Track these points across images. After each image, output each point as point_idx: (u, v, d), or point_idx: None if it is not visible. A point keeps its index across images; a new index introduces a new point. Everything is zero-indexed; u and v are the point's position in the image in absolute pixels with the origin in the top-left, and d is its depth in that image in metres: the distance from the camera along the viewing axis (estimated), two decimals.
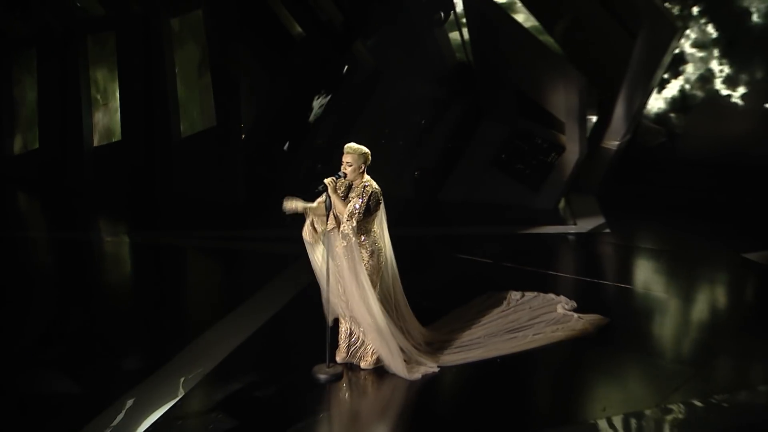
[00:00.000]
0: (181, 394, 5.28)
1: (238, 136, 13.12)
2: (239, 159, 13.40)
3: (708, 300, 9.19)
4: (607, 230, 11.61)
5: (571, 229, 12.16)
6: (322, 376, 5.30)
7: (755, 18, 14.21)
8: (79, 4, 14.74)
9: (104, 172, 14.12)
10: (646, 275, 10.19)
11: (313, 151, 14.63)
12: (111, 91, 13.99)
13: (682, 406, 5.40)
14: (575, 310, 7.23)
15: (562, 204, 13.35)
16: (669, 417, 5.27)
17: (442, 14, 13.89)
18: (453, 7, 13.93)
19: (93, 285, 9.50)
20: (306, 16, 14.24)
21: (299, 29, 14.39)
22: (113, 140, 14.33)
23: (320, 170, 13.65)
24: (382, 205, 5.53)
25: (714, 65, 14.72)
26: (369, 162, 5.51)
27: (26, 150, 14.87)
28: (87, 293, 8.96)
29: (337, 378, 5.37)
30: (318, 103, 14.85)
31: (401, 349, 5.68)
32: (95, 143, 14.31)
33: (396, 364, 5.56)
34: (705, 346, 7.31)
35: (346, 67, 14.94)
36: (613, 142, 13.43)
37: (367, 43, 14.43)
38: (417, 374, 5.61)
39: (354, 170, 5.29)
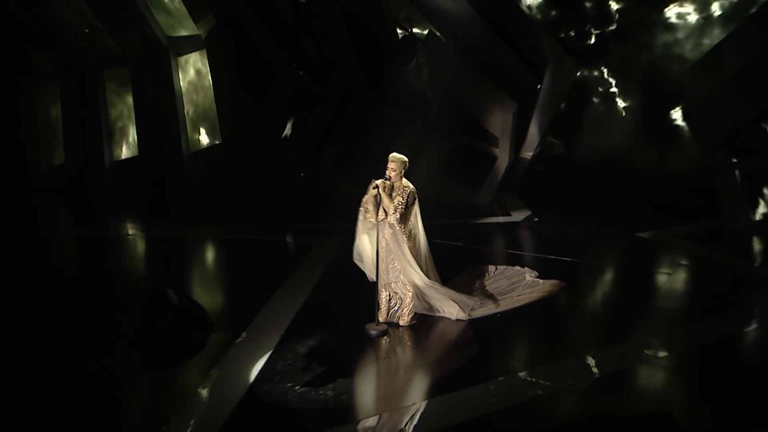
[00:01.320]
0: (269, 350, 5.47)
1: (240, 150, 12.78)
2: (240, 169, 13.15)
3: (618, 262, 10.10)
4: (536, 219, 12.03)
5: (507, 219, 12.47)
6: (373, 332, 5.64)
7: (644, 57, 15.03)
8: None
9: (125, 181, 13.49)
10: (570, 249, 10.23)
11: (291, 160, 14.48)
12: (128, 115, 13.49)
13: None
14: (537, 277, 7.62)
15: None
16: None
17: (410, 57, 13.81)
18: (417, 51, 13.87)
19: (150, 272, 9.33)
20: (286, 56, 14.07)
21: (280, 65, 14.14)
22: (132, 155, 13.69)
23: (303, 177, 13.84)
24: (417, 201, 5.83)
25: (598, 93, 15.37)
26: (407, 167, 5.75)
27: (52, 165, 14.06)
28: (156, 279, 8.77)
29: (383, 333, 5.68)
30: (293, 123, 14.83)
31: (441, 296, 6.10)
32: (115, 158, 13.73)
33: (445, 305, 6.06)
34: (623, 299, 7.80)
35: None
36: (528, 153, 13.85)
37: (341, 77, 14.31)
38: (459, 313, 6.05)
39: (397, 174, 5.58)
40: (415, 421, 4.49)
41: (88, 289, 7.88)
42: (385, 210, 5.65)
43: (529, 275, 7.53)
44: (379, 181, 5.60)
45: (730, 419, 4.72)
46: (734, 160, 12.06)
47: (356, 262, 6.20)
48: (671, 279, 8.76)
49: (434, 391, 4.98)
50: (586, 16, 15.56)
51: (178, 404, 4.61)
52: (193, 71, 12.77)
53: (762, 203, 12.11)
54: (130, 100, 13.40)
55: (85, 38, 12.86)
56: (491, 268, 7.71)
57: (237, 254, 10.18)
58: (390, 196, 5.64)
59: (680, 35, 14.82)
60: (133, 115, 13.28)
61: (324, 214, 11.89)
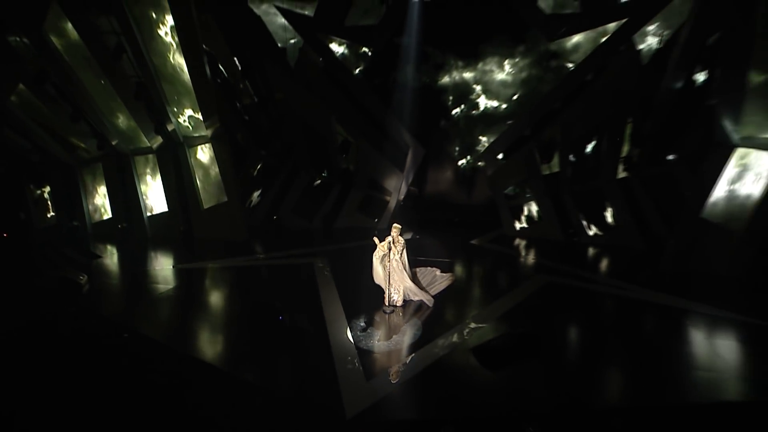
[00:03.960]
0: (346, 326, 6.14)
1: (237, 204, 11.98)
2: (239, 215, 12.36)
3: (468, 258, 10.99)
4: (417, 236, 12.54)
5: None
6: (387, 311, 6.88)
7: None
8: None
9: (159, 229, 12.44)
10: (438, 253, 11.03)
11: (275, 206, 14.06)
12: (155, 183, 12.40)
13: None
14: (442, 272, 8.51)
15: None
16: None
17: (345, 153, 13.37)
18: (350, 148, 13.45)
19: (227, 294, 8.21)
20: (261, 147, 13.57)
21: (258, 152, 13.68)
22: (162, 211, 12.61)
23: (277, 218, 13.52)
24: (405, 245, 7.09)
25: (434, 161, 16.03)
26: (400, 230, 6.96)
27: (101, 218, 12.60)
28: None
29: (392, 311, 6.89)
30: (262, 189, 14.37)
31: (419, 292, 7.13)
32: (149, 213, 12.49)
33: (422, 297, 7.13)
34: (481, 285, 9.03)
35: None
36: (401, 197, 14.92)
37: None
38: (430, 302, 7.06)
39: (397, 233, 6.93)
40: (409, 345, 5.71)
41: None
42: (389, 251, 6.86)
43: (437, 272, 8.45)
44: (388, 239, 6.86)
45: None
46: (507, 199, 13.85)
47: (375, 280, 7.19)
48: (490, 262, 10.51)
49: (415, 333, 6.11)
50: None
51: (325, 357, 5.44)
52: (201, 157, 12.14)
53: (518, 222, 13.82)
54: (158, 176, 12.39)
55: (124, 134, 11.76)
56: (420, 269, 8.27)
57: (270, 275, 9.29)
58: (394, 244, 6.90)
59: (481, 125, 15.54)
60: (161, 183, 12.29)
61: (296, 244, 11.64)
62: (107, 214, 12.67)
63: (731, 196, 9.65)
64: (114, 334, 6.41)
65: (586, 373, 5.39)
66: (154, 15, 10.18)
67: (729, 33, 9.42)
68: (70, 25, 10.12)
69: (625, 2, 12.05)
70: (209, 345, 6.17)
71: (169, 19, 10.00)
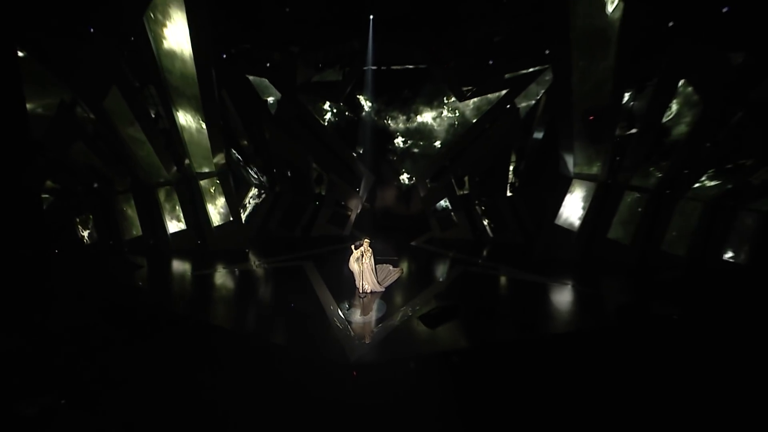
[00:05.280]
0: (337, 307, 7.26)
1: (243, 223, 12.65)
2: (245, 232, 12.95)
3: (410, 257, 11.68)
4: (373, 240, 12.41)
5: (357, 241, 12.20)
6: (362, 296, 8.10)
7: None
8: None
9: (180, 244, 12.46)
10: (388, 252, 11.30)
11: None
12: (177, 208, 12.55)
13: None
14: (394, 266, 9.63)
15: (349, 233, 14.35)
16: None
17: (315, 173, 13.81)
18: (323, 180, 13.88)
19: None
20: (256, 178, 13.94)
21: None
22: (181, 229, 12.62)
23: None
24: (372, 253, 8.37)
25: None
26: (369, 243, 8.26)
27: (133, 237, 12.10)
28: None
29: (365, 297, 8.08)
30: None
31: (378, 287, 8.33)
32: (170, 231, 12.44)
33: (380, 288, 8.32)
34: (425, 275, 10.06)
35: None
36: (357, 211, 14.85)
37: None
38: (383, 289, 8.32)
39: (367, 245, 8.23)
40: (379, 317, 7.05)
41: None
42: (362, 256, 8.20)
43: (391, 267, 9.62)
44: (361, 249, 8.24)
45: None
46: (434, 211, 14.70)
47: (350, 273, 8.40)
48: (424, 258, 11.48)
49: (381, 310, 7.36)
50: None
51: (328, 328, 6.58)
52: (211, 187, 12.74)
53: (442, 227, 14.47)
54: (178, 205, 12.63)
55: (149, 169, 11.88)
56: (378, 266, 8.98)
57: (275, 276, 9.80)
58: (365, 253, 8.28)
59: (417, 158, 15.95)
60: (180, 209, 12.58)
61: (285, 250, 12.26)
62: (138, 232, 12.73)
63: (570, 210, 12.02)
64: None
65: (486, 326, 7.08)
66: (187, 96, 10.92)
67: (565, 98, 10.40)
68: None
69: (509, 78, 14.47)
70: (248, 322, 7.34)
71: (197, 92, 10.77)
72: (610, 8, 8.98)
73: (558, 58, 10.50)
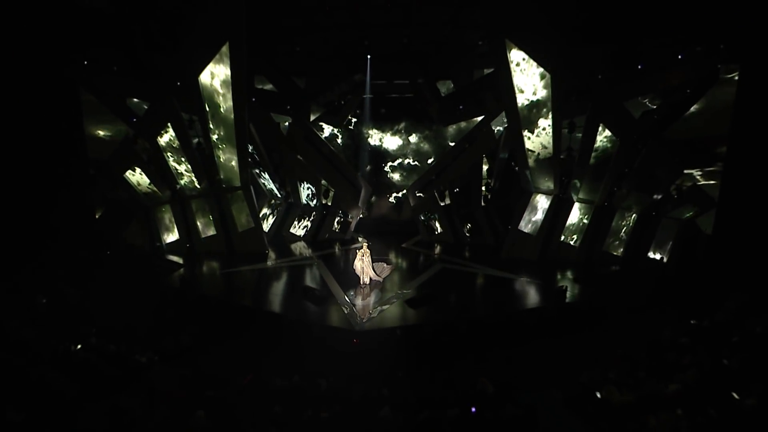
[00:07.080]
0: (345, 294, 9.37)
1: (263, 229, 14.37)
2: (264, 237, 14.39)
3: (400, 257, 13.31)
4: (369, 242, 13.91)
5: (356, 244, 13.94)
6: (362, 286, 9.90)
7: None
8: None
9: (211, 246, 13.97)
10: (383, 252, 13.04)
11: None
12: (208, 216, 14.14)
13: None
14: (387, 263, 11.30)
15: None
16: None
17: (322, 188, 15.46)
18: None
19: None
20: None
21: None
22: (212, 234, 14.05)
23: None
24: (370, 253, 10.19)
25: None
26: (368, 244, 10.17)
27: (161, 245, 13.77)
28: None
29: (365, 286, 9.91)
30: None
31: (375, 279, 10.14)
32: (203, 236, 14.15)
33: (377, 278, 10.09)
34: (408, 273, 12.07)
35: None
36: (356, 218, 16.22)
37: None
38: (381, 279, 10.11)
39: (366, 246, 10.02)
40: (376, 301, 9.05)
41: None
42: (364, 255, 10.13)
43: (385, 264, 11.15)
44: (362, 249, 10.21)
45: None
46: (422, 218, 16.23)
47: (354, 270, 10.27)
48: (413, 256, 13.45)
49: (378, 295, 9.45)
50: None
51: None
52: (236, 199, 14.14)
53: (429, 232, 15.82)
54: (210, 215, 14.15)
55: (186, 184, 13.63)
56: (375, 264, 10.47)
57: (293, 271, 11.46)
58: (364, 253, 10.26)
59: (408, 172, 17.35)
60: (210, 217, 14.21)
61: (297, 251, 14.04)
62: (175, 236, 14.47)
63: (530, 218, 14.07)
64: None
65: (457, 307, 9.32)
66: (224, 126, 12.87)
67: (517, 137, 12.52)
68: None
69: (485, 107, 16.70)
70: (277, 304, 9.68)
71: (232, 124, 12.81)
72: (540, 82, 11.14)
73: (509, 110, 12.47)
